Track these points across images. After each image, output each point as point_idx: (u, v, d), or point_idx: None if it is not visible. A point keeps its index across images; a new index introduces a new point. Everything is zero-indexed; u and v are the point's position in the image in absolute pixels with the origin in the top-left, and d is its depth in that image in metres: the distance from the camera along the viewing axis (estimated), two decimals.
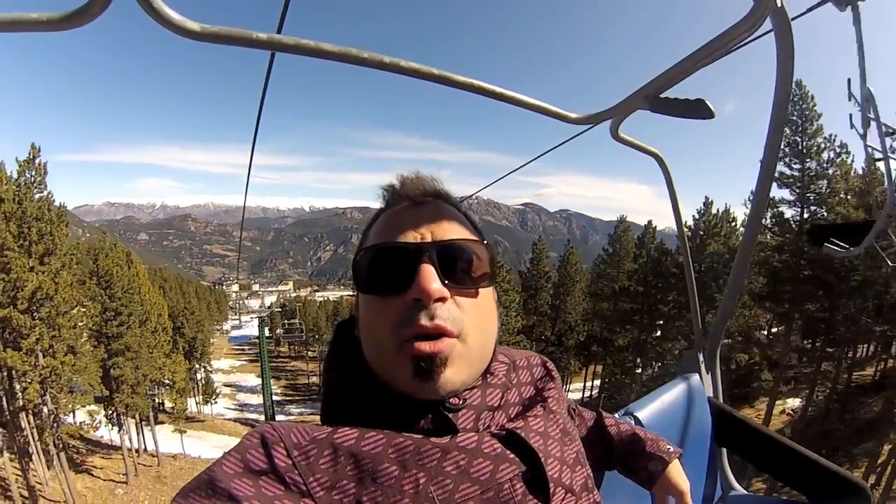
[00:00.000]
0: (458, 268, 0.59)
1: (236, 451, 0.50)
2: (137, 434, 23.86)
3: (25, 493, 15.96)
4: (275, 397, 37.23)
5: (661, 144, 1.68)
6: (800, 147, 18.20)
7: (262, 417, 33.37)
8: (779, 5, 0.97)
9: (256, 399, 38.15)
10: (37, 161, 14.95)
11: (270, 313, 67.20)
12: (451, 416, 0.58)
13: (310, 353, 52.95)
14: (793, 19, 1.03)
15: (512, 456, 0.57)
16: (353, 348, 0.64)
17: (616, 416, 1.03)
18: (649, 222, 27.30)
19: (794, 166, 18.44)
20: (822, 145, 18.03)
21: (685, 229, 1.92)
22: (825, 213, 17.75)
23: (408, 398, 0.57)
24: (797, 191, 18.46)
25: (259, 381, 35.39)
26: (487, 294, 0.63)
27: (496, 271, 0.64)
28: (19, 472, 15.86)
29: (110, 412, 19.89)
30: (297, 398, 44.13)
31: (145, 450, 24.70)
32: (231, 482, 0.46)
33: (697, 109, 1.15)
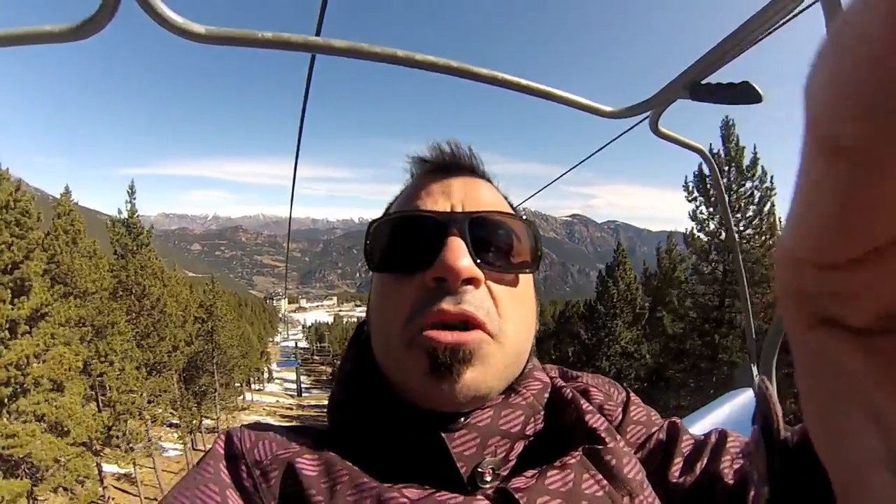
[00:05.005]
0: (493, 246, 0.48)
1: (207, 460, 0.47)
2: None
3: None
4: (304, 386, 63.24)
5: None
6: None
7: (295, 393, 59.26)
8: None
9: (294, 386, 64.75)
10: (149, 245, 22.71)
11: (307, 335, 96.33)
12: (445, 436, 0.45)
13: (336, 361, 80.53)
14: None
15: None
16: (368, 345, 0.54)
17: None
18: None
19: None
20: None
21: (735, 232, 1.75)
22: None
23: (411, 409, 0.47)
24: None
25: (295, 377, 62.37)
26: (528, 284, 0.52)
27: (539, 258, 0.52)
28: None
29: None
30: (318, 387, 71.42)
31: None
32: (200, 489, 0.43)
33: (743, 94, 1.01)
